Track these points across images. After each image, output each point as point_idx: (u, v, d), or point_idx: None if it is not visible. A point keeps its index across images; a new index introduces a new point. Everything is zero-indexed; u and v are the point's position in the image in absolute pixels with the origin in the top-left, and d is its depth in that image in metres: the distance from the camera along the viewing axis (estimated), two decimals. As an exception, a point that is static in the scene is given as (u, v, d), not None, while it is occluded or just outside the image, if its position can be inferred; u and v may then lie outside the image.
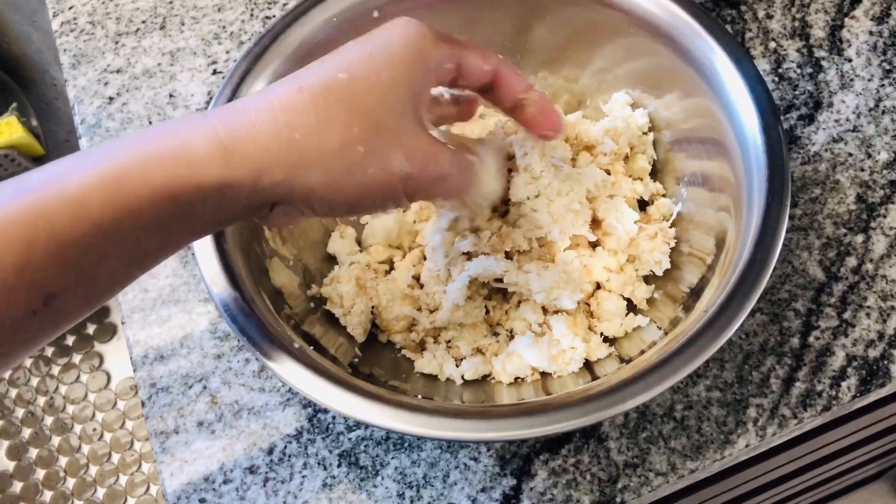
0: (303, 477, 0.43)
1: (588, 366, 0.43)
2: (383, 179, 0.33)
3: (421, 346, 0.45)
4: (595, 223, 0.45)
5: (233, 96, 0.43)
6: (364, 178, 0.32)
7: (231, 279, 0.38)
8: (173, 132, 0.30)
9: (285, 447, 0.44)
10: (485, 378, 0.44)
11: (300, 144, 0.31)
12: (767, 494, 0.77)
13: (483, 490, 0.42)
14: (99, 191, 0.28)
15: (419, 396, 0.41)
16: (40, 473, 0.85)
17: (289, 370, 0.36)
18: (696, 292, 0.42)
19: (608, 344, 0.43)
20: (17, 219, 0.28)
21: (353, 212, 0.35)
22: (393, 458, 0.43)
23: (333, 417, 0.45)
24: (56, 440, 0.90)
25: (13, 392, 0.93)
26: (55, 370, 0.93)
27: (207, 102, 0.56)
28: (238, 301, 0.38)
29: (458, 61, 0.36)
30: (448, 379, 0.44)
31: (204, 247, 0.39)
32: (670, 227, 0.45)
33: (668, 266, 0.44)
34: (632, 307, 0.45)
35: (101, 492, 0.83)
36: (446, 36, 0.36)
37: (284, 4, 0.61)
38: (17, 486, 0.85)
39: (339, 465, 0.44)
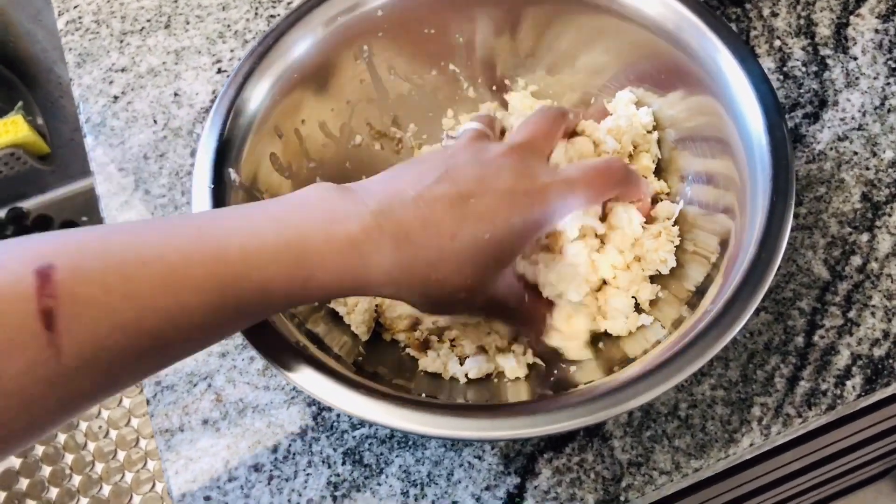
0: (307, 475, 0.44)
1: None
2: (459, 312, 0.40)
3: (425, 345, 0.45)
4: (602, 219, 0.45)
5: (236, 96, 0.44)
6: (448, 310, 0.39)
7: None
8: (361, 255, 0.33)
9: (290, 445, 0.44)
10: (488, 377, 0.44)
11: (427, 287, 0.35)
12: (771, 493, 0.77)
13: (487, 488, 0.42)
14: (285, 286, 0.31)
15: (423, 395, 0.41)
16: (46, 470, 0.85)
17: (294, 369, 0.36)
18: (700, 291, 0.42)
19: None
20: (210, 286, 0.29)
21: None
22: (397, 456, 0.44)
23: (338, 416, 0.45)
24: (62, 437, 0.90)
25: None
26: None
27: (213, 101, 0.56)
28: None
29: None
30: (452, 378, 0.44)
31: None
32: (673, 226, 0.45)
33: (675, 265, 0.44)
34: (635, 306, 0.45)
35: (106, 489, 0.84)
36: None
37: (289, 3, 0.61)
38: (24, 483, 0.85)
39: (343, 464, 0.44)
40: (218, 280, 0.29)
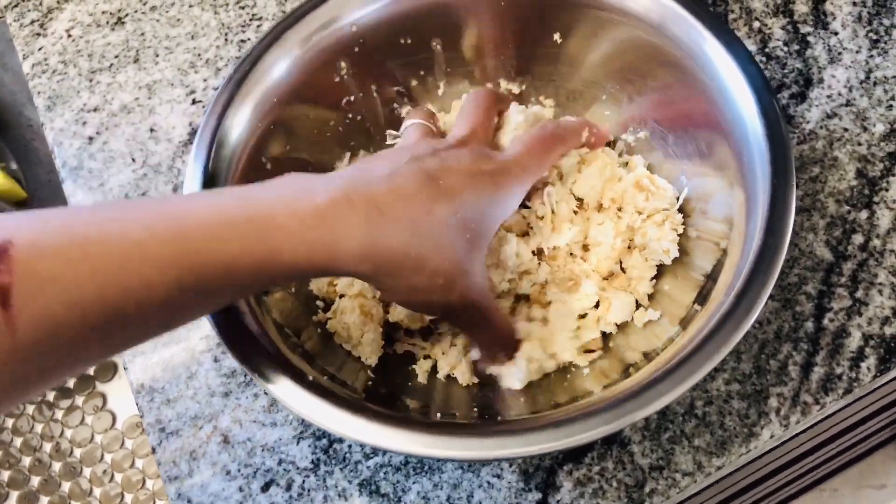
0: (324, 510, 0.42)
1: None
2: (433, 308, 0.38)
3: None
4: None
5: (217, 126, 0.42)
6: (424, 302, 0.36)
7: (233, 312, 0.37)
8: (329, 228, 0.32)
9: (303, 482, 0.43)
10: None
11: (404, 267, 0.34)
12: (783, 474, 0.76)
13: (509, 507, 0.41)
14: (251, 262, 0.30)
15: (438, 415, 0.40)
16: (53, 521, 0.84)
17: (301, 401, 0.35)
18: (707, 286, 0.41)
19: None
20: (173, 261, 0.29)
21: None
22: (414, 482, 0.42)
23: (349, 447, 0.44)
24: (66, 485, 0.88)
25: (18, 441, 0.91)
26: (59, 414, 0.91)
27: (190, 134, 0.55)
28: (244, 333, 0.37)
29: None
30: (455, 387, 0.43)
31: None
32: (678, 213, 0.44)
33: (677, 254, 0.43)
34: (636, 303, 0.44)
35: (116, 534, 0.83)
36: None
37: (258, 27, 0.60)
38: (31, 536, 0.84)
39: (360, 495, 0.42)
40: (180, 256, 0.29)
